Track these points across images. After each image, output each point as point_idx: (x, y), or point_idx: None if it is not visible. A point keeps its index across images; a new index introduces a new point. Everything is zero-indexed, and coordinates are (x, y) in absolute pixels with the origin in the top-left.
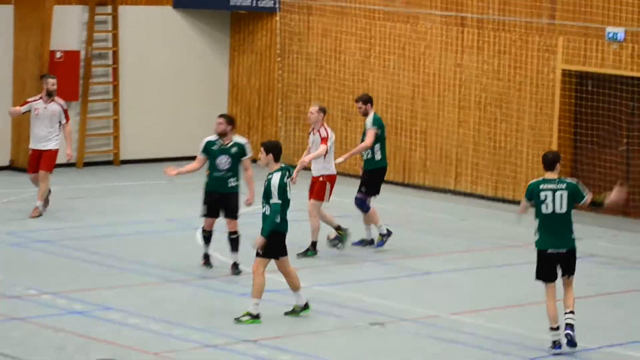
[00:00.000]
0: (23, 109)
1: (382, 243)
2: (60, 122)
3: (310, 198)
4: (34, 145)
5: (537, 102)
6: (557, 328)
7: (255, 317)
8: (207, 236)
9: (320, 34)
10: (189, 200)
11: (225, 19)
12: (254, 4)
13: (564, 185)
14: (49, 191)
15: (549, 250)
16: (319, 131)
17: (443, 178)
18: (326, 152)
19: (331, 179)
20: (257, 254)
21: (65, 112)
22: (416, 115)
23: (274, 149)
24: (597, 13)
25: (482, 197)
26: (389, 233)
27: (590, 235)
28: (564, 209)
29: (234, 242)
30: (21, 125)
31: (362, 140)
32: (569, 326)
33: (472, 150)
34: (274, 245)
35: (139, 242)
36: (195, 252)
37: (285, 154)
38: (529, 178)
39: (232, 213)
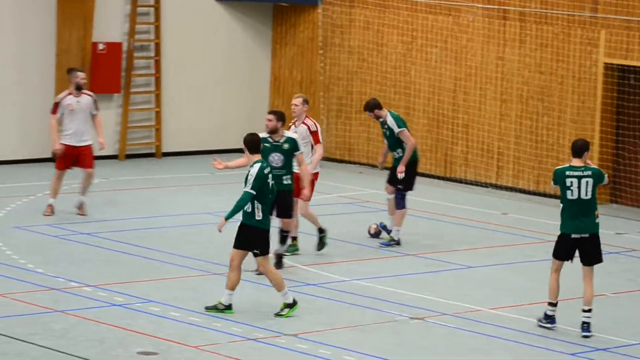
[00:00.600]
0: (58, 113)
1: (387, 244)
2: (92, 113)
3: (296, 196)
4: (69, 141)
5: (579, 95)
6: (556, 304)
7: (294, 305)
8: (285, 235)
9: (363, 26)
10: (230, 194)
11: (267, 12)
12: None
13: (589, 173)
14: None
15: (573, 235)
16: (304, 123)
17: (484, 172)
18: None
19: (317, 176)
20: (258, 254)
21: (96, 102)
22: (458, 108)
23: (246, 142)
24: None
25: (523, 191)
26: (398, 242)
27: (631, 230)
28: (589, 195)
29: (283, 238)
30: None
31: (389, 143)
32: (586, 325)
33: (514, 144)
34: (264, 241)
35: (180, 235)
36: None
37: (327, 147)
38: None
39: (284, 212)
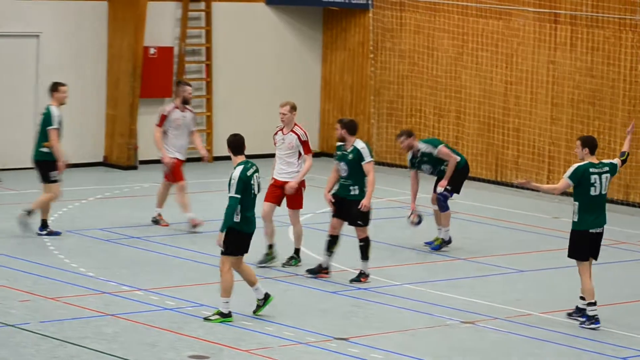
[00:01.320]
0: (163, 127)
1: (438, 247)
2: (190, 130)
3: (288, 207)
4: (174, 154)
5: (631, 99)
6: (595, 303)
7: (227, 316)
8: (331, 240)
9: (413, 30)
10: None
11: (317, 16)
12: (347, 1)
13: (607, 168)
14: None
15: (591, 230)
16: (293, 131)
17: (535, 176)
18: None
19: (303, 184)
20: (222, 252)
21: (195, 118)
22: (509, 112)
23: (230, 144)
24: None
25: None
26: (449, 241)
27: None
28: (605, 190)
29: (362, 250)
30: (115, 121)
31: (432, 167)
32: (580, 311)
33: (565, 148)
34: (235, 243)
35: None
36: (288, 249)
37: (378, 151)
38: (622, 176)
39: (353, 221)
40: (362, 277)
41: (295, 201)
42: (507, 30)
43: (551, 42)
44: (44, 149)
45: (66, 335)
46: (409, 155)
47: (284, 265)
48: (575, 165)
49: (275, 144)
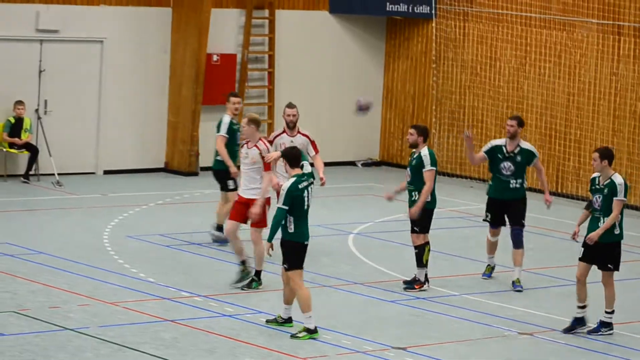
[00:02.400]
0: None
1: (520, 287)
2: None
3: (251, 225)
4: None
5: None
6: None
7: (313, 332)
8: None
9: (476, 40)
10: (341, 207)
11: (380, 25)
12: (410, 10)
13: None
14: None
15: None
16: (256, 146)
17: None
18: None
19: (268, 202)
20: (287, 269)
21: (313, 143)
22: (570, 123)
23: (286, 156)
24: None
25: (635, 208)
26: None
27: None
28: None
29: (417, 257)
30: (177, 128)
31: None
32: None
33: (627, 160)
34: (295, 255)
35: None
36: (347, 258)
37: (439, 161)
38: None
39: (411, 226)
40: (416, 284)
41: (259, 219)
42: (570, 42)
43: (614, 53)
44: (219, 157)
45: (125, 340)
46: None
47: (243, 288)
48: (621, 180)
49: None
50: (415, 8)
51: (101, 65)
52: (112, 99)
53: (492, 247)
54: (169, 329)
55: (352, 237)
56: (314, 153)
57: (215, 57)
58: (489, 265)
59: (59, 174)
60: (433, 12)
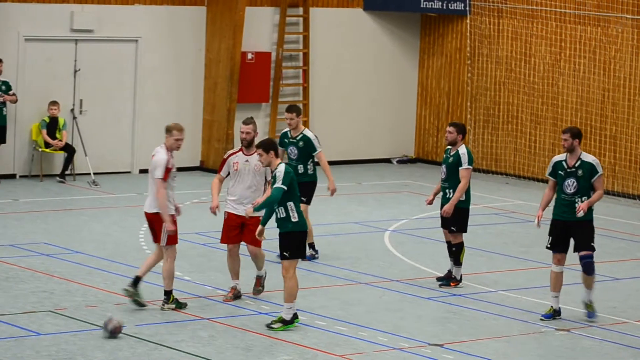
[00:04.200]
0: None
1: (593, 315)
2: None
3: (158, 241)
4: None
5: None
6: None
7: (289, 323)
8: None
9: (511, 37)
10: (377, 204)
11: (415, 22)
12: (445, 7)
13: None
14: None
15: None
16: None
17: (632, 184)
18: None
19: (173, 218)
20: (284, 257)
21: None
22: (606, 119)
23: (273, 146)
24: None
25: None
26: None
27: None
28: None
29: (454, 255)
30: (212, 126)
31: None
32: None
33: None
34: (298, 245)
35: (328, 244)
36: (383, 255)
37: (475, 157)
38: None
39: (446, 225)
40: (452, 281)
41: (159, 236)
42: (605, 37)
43: None
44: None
45: (162, 339)
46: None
47: (162, 308)
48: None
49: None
50: (449, 4)
51: (136, 64)
52: (147, 98)
53: (556, 281)
54: (206, 327)
55: (388, 235)
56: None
57: (250, 56)
58: (552, 306)
59: (94, 174)
60: (467, 8)
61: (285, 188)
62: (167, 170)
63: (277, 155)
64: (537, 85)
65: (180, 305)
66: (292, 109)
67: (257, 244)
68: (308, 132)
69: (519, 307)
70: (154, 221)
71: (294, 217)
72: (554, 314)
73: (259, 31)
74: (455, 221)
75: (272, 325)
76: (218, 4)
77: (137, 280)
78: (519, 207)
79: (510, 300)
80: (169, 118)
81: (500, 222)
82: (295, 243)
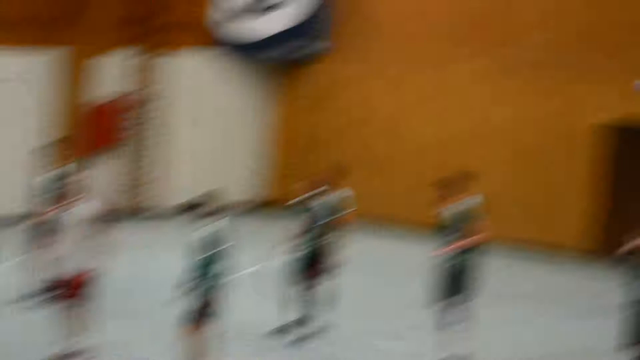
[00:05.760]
0: None
1: None
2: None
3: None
4: None
5: None
6: None
7: None
8: None
9: (355, 83)
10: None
11: (270, 65)
12: (301, 52)
13: None
14: None
15: None
16: None
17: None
18: None
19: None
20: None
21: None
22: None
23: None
24: None
25: None
26: None
27: None
28: None
29: None
30: None
31: None
32: None
33: None
34: None
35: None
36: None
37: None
38: None
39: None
40: None
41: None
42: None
43: None
44: None
45: None
46: None
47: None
48: None
49: None
50: (306, 49)
51: None
52: None
53: None
54: None
55: None
56: None
57: (100, 102)
58: None
59: None
60: (323, 53)
61: None
62: None
63: None
64: (381, 129)
65: None
66: None
67: None
68: None
69: None
70: None
71: None
72: None
73: (109, 77)
74: None
75: None
76: (67, 51)
77: None
78: None
79: None
80: None
81: None
82: None
